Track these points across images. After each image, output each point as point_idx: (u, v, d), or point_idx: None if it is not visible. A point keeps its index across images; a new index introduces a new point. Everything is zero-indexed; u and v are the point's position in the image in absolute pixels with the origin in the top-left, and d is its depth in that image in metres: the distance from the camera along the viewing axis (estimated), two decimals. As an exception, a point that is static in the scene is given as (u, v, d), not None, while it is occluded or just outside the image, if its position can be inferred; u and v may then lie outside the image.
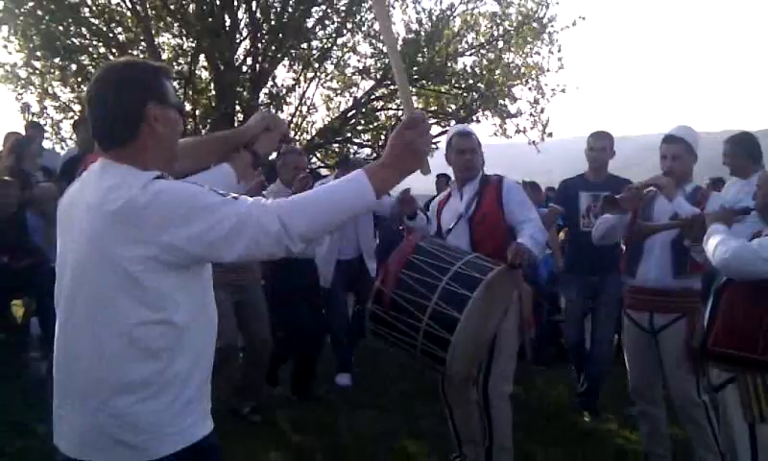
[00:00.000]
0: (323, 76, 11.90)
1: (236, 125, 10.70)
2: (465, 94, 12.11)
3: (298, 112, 11.77)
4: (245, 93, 10.66)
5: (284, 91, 11.44)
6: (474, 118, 12.87)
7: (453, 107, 12.62)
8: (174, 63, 10.79)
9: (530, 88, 12.36)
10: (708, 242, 3.37)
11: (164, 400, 1.79)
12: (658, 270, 4.16)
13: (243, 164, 2.35)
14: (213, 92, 11.14)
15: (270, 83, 11.32)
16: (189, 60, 10.87)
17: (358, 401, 5.69)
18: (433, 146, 12.70)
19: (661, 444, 4.37)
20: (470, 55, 12.28)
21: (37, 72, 10.61)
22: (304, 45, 11.29)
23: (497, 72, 12.26)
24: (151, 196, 1.71)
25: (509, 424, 4.14)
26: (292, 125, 11.55)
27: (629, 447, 4.86)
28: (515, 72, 12.37)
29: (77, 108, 11.09)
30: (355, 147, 12.32)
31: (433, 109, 12.82)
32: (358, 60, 12.02)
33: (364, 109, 11.99)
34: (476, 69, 12.21)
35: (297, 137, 11.67)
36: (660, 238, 4.15)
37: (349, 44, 11.85)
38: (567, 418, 5.60)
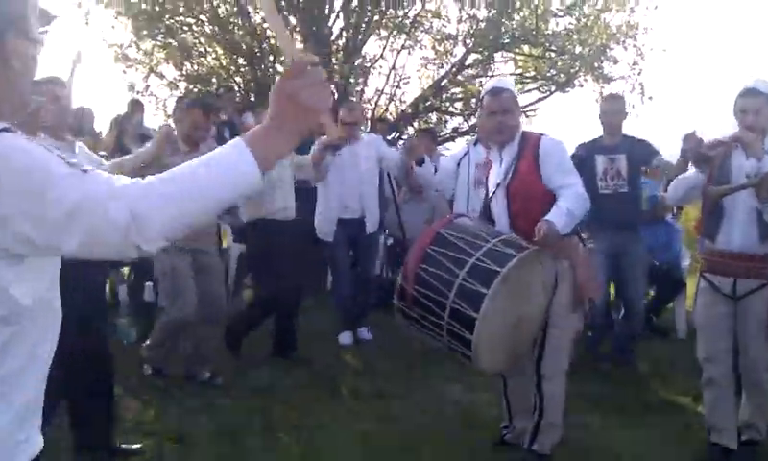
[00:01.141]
0: (414, 44, 11.87)
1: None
2: (561, 57, 11.80)
3: (388, 84, 11.81)
4: (335, 66, 10.82)
5: (370, 63, 11.50)
6: (576, 83, 12.57)
7: (553, 72, 12.33)
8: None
9: (625, 48, 11.90)
10: None
11: None
12: (742, 234, 4.02)
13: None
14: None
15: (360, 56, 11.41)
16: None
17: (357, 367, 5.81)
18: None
19: (728, 416, 4.20)
20: (564, 16, 11.91)
21: (143, 52, 11.17)
22: (396, 12, 11.28)
23: (594, 31, 11.89)
24: None
25: (561, 401, 4.02)
26: (383, 97, 11.65)
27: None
28: (615, 32, 11.95)
29: (182, 85, 11.65)
30: (447, 117, 12.26)
31: (531, 74, 12.59)
32: (443, 25, 11.88)
33: (457, 77, 11.91)
34: (571, 31, 11.86)
35: (388, 110, 11.77)
36: (745, 200, 3.97)
37: (435, 7, 11.71)
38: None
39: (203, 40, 11.25)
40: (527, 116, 12.61)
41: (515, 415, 4.23)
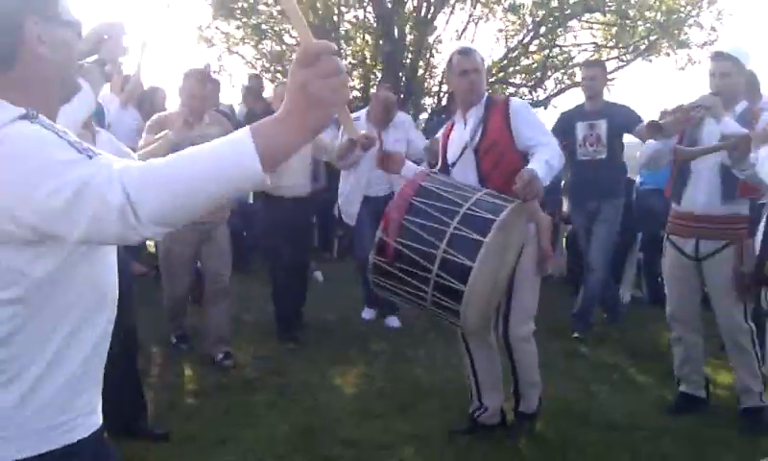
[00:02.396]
0: (485, 15, 11.83)
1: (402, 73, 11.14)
2: (637, 24, 11.47)
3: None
4: (411, 36, 10.94)
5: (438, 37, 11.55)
6: (662, 51, 12.21)
7: (634, 39, 12.00)
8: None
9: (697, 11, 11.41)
10: (766, 164, 3.27)
11: (14, 392, 1.44)
12: (705, 195, 4.13)
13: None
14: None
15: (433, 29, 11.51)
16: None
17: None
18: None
19: (696, 369, 4.34)
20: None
21: (221, 32, 11.75)
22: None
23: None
24: None
25: (535, 363, 4.06)
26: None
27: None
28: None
29: (259, 63, 12.16)
30: (512, 89, 12.17)
31: (609, 43, 12.30)
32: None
33: (528, 49, 11.83)
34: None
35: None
36: (709, 162, 4.07)
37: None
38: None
39: (276, 20, 11.64)
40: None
41: (484, 392, 4.11)
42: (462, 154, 3.93)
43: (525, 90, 12.05)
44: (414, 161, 4.52)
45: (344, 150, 5.82)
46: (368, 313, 6.55)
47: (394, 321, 6.33)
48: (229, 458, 3.83)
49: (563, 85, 12.24)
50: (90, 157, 1.31)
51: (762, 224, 3.47)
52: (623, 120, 5.81)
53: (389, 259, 3.47)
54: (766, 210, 3.51)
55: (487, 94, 4.06)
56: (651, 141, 4.28)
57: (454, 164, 3.98)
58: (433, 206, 3.44)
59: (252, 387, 4.88)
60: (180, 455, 3.88)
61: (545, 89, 12.10)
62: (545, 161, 3.59)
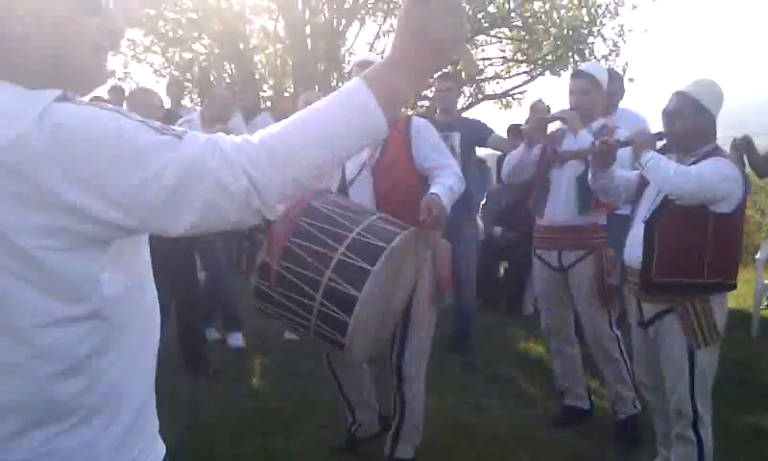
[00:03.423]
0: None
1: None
2: (541, 38, 11.71)
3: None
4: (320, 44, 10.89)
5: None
6: (569, 66, 12.47)
7: (540, 54, 12.24)
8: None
9: (601, 34, 11.75)
10: (659, 169, 3.33)
11: (97, 426, 1.26)
12: (564, 207, 4.21)
13: None
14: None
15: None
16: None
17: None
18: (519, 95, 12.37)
19: (577, 381, 4.43)
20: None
21: (127, 40, 11.45)
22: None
23: (583, 11, 11.76)
24: (49, 133, 1.10)
25: (421, 406, 3.84)
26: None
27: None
28: (601, 10, 11.80)
29: (167, 71, 11.91)
30: (421, 103, 12.26)
31: (519, 58, 12.53)
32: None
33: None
34: (551, 10, 11.77)
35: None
36: (566, 176, 4.21)
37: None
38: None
39: (184, 28, 11.44)
40: (514, 99, 12.58)
41: (356, 408, 3.98)
42: (359, 172, 3.69)
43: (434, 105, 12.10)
44: None
45: None
46: (235, 339, 6.09)
47: (237, 339, 6.03)
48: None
49: (472, 100, 12.41)
50: (180, 138, 1.15)
51: (633, 231, 3.53)
52: (476, 132, 5.83)
53: (271, 284, 3.25)
54: (633, 216, 3.58)
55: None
56: (514, 153, 4.38)
57: (351, 182, 3.72)
58: (321, 229, 3.22)
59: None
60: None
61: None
62: (449, 187, 3.46)
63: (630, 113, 5.68)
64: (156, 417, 1.46)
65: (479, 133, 5.85)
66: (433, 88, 6.36)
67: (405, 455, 3.86)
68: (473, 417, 4.67)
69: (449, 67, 7.66)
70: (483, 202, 7.62)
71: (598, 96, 4.32)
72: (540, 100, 4.64)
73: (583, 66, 4.60)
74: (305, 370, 5.37)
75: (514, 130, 4.35)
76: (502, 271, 8.05)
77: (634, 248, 3.46)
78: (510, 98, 12.53)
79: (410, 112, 4.11)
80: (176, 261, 4.91)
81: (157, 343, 1.43)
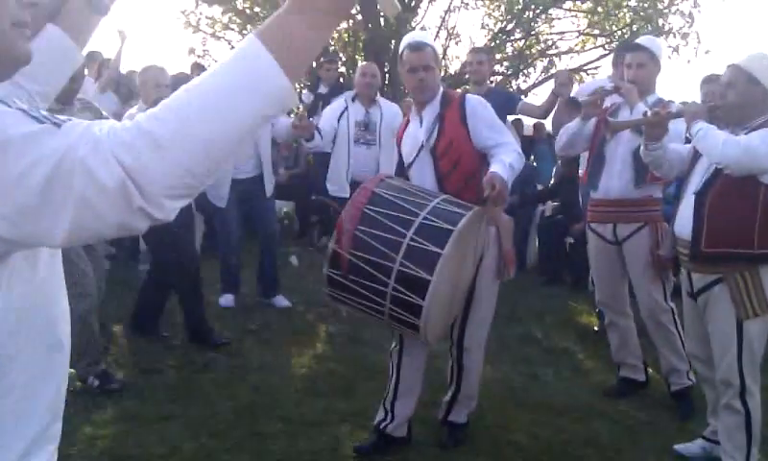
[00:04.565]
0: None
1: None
2: (616, 12, 11.52)
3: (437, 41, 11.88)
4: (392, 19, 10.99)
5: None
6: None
7: (615, 28, 12.05)
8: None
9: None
10: (707, 139, 3.41)
11: None
12: (620, 181, 4.29)
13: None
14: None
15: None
16: None
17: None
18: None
19: (632, 353, 4.49)
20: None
21: (206, 17, 11.83)
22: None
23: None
24: None
25: (479, 374, 3.93)
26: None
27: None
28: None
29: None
30: (498, 77, 12.23)
31: (593, 32, 12.34)
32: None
33: (511, 36, 11.88)
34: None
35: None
36: (621, 149, 4.25)
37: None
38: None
39: (261, 5, 11.71)
40: (588, 73, 12.41)
41: (399, 397, 3.80)
42: (418, 154, 3.73)
43: (506, 79, 12.08)
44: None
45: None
46: (225, 300, 6.32)
47: (281, 300, 6.35)
48: (167, 435, 3.93)
49: (547, 74, 12.30)
50: (58, 126, 0.97)
51: (683, 203, 3.57)
52: (505, 101, 5.91)
53: (344, 272, 3.31)
54: (684, 189, 3.61)
55: (442, 89, 3.83)
56: (569, 125, 4.44)
57: (410, 165, 3.78)
58: (387, 216, 3.28)
59: (206, 367, 4.98)
60: (122, 432, 3.99)
61: (528, 78, 12.15)
62: (509, 165, 3.46)
63: None
64: (58, 437, 1.28)
65: (509, 102, 5.98)
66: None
67: (459, 419, 3.96)
68: (529, 386, 4.79)
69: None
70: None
71: (655, 69, 4.36)
72: (563, 71, 4.75)
73: (640, 40, 4.63)
74: (368, 337, 5.56)
75: (572, 103, 4.39)
76: (568, 247, 8.05)
77: (684, 219, 3.49)
78: (584, 73, 12.36)
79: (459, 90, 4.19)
80: (173, 235, 4.89)
81: (67, 358, 1.26)
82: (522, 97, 6.08)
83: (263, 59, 0.99)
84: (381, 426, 3.82)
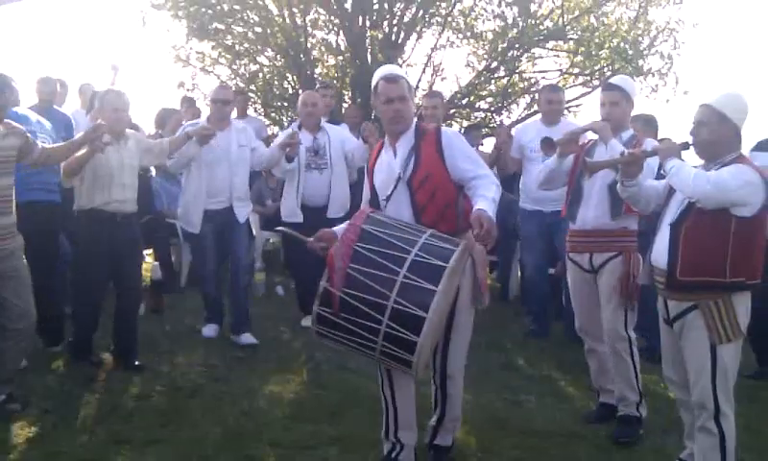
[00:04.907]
0: (454, 40, 12.07)
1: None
2: (598, 54, 11.78)
3: (423, 76, 12.07)
4: (380, 56, 11.19)
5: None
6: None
7: (597, 67, 12.31)
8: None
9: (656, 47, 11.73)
10: (680, 175, 3.58)
11: None
12: (596, 212, 4.45)
13: None
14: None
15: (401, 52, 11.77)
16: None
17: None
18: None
19: (611, 380, 4.58)
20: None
21: (196, 52, 11.95)
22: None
23: (640, 26, 11.81)
24: None
25: (461, 397, 4.03)
26: (418, 92, 11.95)
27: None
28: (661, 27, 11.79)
29: (233, 83, 12.35)
30: (481, 113, 12.46)
31: (574, 71, 12.59)
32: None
33: (494, 74, 12.11)
34: (607, 25, 11.85)
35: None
36: (598, 182, 4.46)
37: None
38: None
39: (250, 42, 11.89)
40: (570, 111, 12.65)
41: (402, 429, 3.88)
42: (395, 187, 3.74)
43: (490, 115, 12.30)
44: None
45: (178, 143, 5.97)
46: (208, 330, 6.34)
47: (248, 338, 6.16)
48: (157, 458, 4.00)
49: (529, 111, 12.52)
50: None
51: (659, 234, 3.72)
52: None
53: (335, 310, 3.33)
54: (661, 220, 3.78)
55: (416, 121, 3.88)
56: (547, 162, 4.66)
57: (388, 198, 3.76)
58: (379, 253, 3.32)
59: (194, 392, 5.05)
60: (113, 453, 4.06)
61: (510, 114, 12.38)
62: (492, 199, 3.53)
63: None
64: None
65: None
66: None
67: (445, 443, 4.06)
68: (512, 412, 4.89)
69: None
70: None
71: (628, 108, 4.59)
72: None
73: (613, 80, 4.84)
74: (354, 365, 5.65)
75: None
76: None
77: (660, 249, 3.65)
78: (566, 110, 12.60)
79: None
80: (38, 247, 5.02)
81: None
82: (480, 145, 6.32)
83: None
84: (393, 456, 3.88)
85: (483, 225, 3.31)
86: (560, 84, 11.54)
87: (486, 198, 3.51)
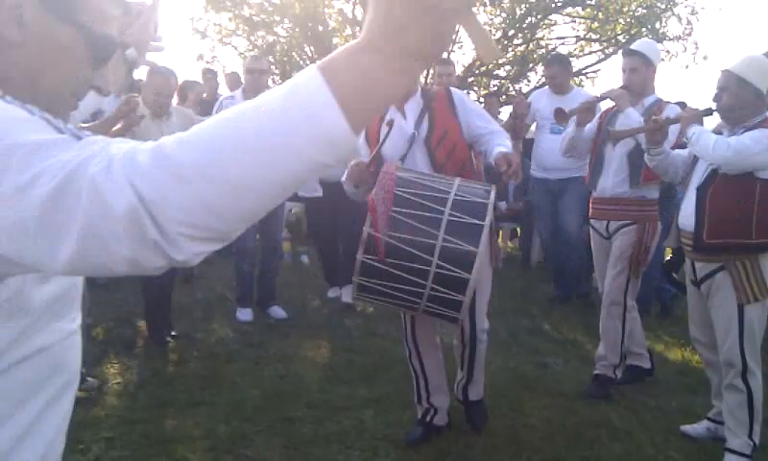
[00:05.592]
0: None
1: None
2: (618, 19, 11.78)
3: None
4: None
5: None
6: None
7: (614, 32, 12.31)
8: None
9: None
10: (700, 142, 3.67)
11: None
12: (615, 180, 4.54)
13: None
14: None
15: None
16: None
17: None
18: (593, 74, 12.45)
19: (638, 342, 4.73)
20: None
21: (214, 24, 12.06)
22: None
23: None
24: None
25: (484, 356, 4.08)
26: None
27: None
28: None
29: (252, 54, 12.41)
30: (497, 81, 12.50)
31: (593, 36, 12.60)
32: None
33: (513, 41, 12.12)
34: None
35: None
36: (618, 151, 4.49)
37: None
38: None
39: (267, 13, 11.95)
40: (587, 77, 12.68)
41: (434, 394, 4.01)
42: (410, 148, 3.77)
43: (508, 83, 12.34)
44: None
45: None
46: (242, 314, 6.20)
47: (276, 312, 6.26)
48: (201, 419, 4.16)
49: (543, 79, 12.53)
50: (78, 139, 0.87)
51: (686, 198, 3.81)
52: None
53: (380, 257, 3.24)
54: (687, 184, 3.87)
55: (420, 86, 3.97)
56: (567, 131, 4.76)
57: (403, 158, 3.75)
58: (420, 195, 3.29)
59: (230, 358, 5.22)
60: (157, 415, 4.22)
61: (529, 82, 12.41)
62: (508, 147, 3.65)
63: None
64: None
65: None
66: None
67: (478, 396, 4.18)
68: (540, 374, 5.02)
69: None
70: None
71: (649, 73, 4.62)
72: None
73: (634, 45, 4.85)
74: (383, 331, 5.80)
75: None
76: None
77: (687, 212, 3.74)
78: (583, 76, 12.62)
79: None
80: None
81: (74, 392, 1.20)
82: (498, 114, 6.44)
83: (321, 95, 0.80)
84: (427, 419, 3.99)
85: (510, 162, 3.42)
86: (574, 51, 11.59)
87: (504, 145, 3.65)
